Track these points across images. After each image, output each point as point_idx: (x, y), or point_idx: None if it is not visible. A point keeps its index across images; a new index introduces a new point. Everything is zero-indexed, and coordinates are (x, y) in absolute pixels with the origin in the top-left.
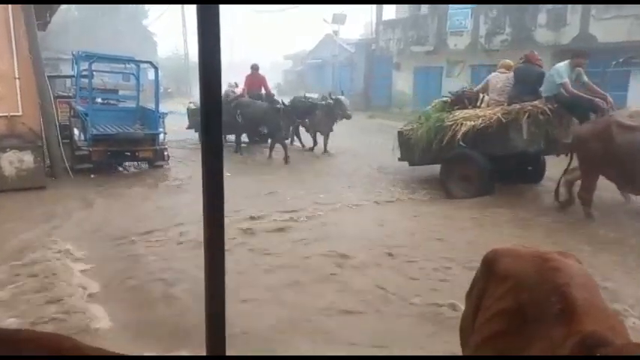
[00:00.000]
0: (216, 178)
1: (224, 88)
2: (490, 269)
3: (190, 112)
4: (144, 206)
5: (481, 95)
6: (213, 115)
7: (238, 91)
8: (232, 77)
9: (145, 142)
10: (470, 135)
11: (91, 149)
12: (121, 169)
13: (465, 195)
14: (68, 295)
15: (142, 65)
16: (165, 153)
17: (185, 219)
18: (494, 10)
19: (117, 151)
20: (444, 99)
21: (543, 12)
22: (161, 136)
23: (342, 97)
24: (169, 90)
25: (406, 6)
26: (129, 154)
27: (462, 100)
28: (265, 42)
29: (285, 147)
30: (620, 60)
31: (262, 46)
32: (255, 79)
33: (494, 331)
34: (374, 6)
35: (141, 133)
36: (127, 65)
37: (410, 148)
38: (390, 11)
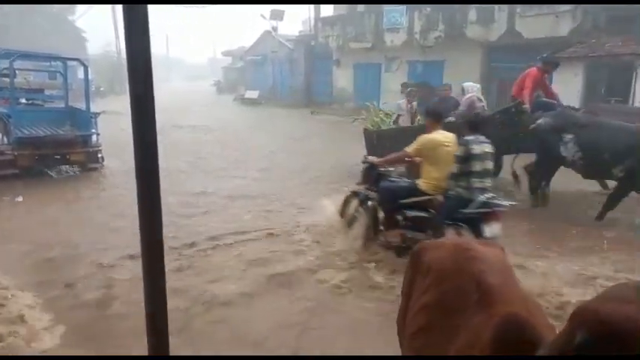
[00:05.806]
0: (151, 178)
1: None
2: (416, 262)
3: (371, 137)
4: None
5: None
6: (146, 122)
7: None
8: (163, 73)
9: (76, 144)
10: None
11: (16, 153)
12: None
13: None
14: None
15: (70, 63)
16: (100, 155)
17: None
18: (428, 7)
19: (45, 155)
20: None
21: (473, 10)
22: (94, 137)
23: None
24: (101, 89)
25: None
26: (59, 157)
27: None
28: (201, 37)
29: None
30: (544, 55)
31: (199, 42)
32: (543, 79)
33: (420, 326)
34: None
35: (71, 134)
36: (53, 63)
37: None
38: (327, 8)
